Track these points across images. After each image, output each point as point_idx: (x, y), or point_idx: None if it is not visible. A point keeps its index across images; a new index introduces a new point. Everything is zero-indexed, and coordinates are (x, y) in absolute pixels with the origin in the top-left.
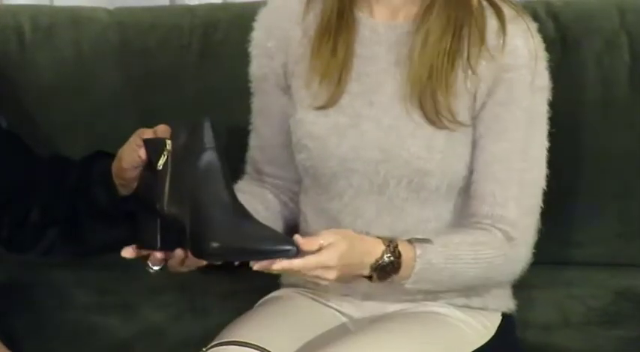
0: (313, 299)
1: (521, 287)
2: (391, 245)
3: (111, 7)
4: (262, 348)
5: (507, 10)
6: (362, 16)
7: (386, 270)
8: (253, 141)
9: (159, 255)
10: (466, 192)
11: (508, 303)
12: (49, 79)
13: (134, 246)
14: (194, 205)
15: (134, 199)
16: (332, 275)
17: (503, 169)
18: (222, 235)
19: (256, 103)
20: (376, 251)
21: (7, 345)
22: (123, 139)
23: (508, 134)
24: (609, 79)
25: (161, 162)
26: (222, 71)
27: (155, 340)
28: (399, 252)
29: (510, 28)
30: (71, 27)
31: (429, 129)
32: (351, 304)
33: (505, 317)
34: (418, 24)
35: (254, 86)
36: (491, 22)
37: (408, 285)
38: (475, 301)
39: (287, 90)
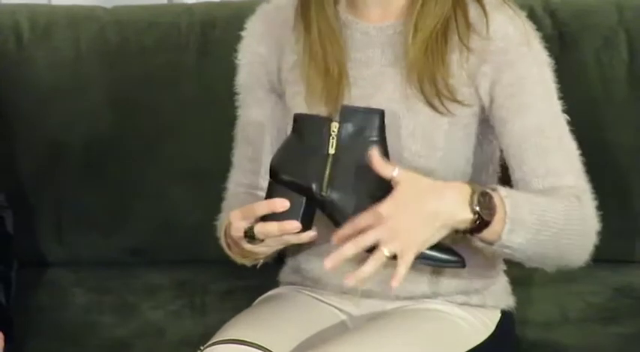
0: (312, 296)
1: (520, 284)
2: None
3: (109, 5)
4: (261, 346)
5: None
6: (352, 19)
7: (487, 206)
8: (243, 153)
9: (304, 237)
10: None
11: (507, 300)
12: (48, 78)
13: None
14: (360, 196)
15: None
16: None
17: (542, 139)
18: None
19: (249, 114)
20: (465, 188)
21: (7, 345)
22: (121, 139)
23: (531, 108)
24: (607, 75)
25: (332, 146)
26: (221, 69)
27: (154, 339)
28: (486, 192)
29: (495, 16)
30: (69, 26)
31: (428, 127)
32: (350, 302)
33: (504, 314)
34: (406, 18)
35: (244, 97)
36: (475, 13)
37: (504, 235)
38: (474, 298)
39: (282, 96)
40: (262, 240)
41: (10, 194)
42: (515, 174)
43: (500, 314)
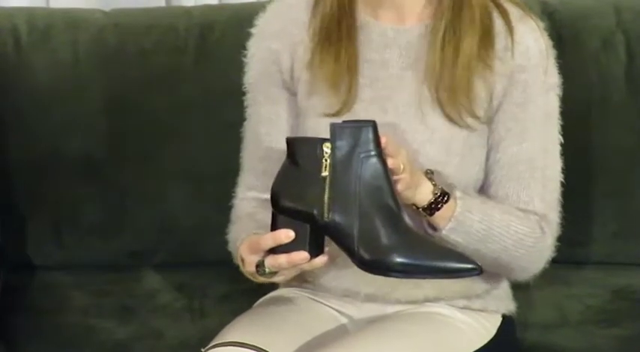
0: (312, 299)
1: (519, 287)
2: (437, 186)
3: (107, 8)
4: (261, 349)
5: (514, 10)
6: (369, 20)
7: (436, 204)
8: (253, 154)
9: (317, 263)
10: (481, 193)
11: (508, 305)
12: (46, 81)
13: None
14: (364, 215)
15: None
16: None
17: (528, 169)
18: (406, 251)
19: (261, 111)
20: (428, 186)
21: (6, 348)
22: (119, 141)
23: (528, 134)
24: (606, 77)
25: (325, 168)
26: (219, 72)
27: (153, 342)
28: (444, 191)
29: (519, 27)
30: (67, 29)
31: (446, 132)
32: (351, 305)
33: (505, 318)
34: (429, 26)
35: (255, 95)
36: (498, 24)
37: (445, 231)
38: (476, 303)
39: (295, 95)
40: (276, 272)
41: (9, 197)
42: (492, 190)
43: (501, 319)
